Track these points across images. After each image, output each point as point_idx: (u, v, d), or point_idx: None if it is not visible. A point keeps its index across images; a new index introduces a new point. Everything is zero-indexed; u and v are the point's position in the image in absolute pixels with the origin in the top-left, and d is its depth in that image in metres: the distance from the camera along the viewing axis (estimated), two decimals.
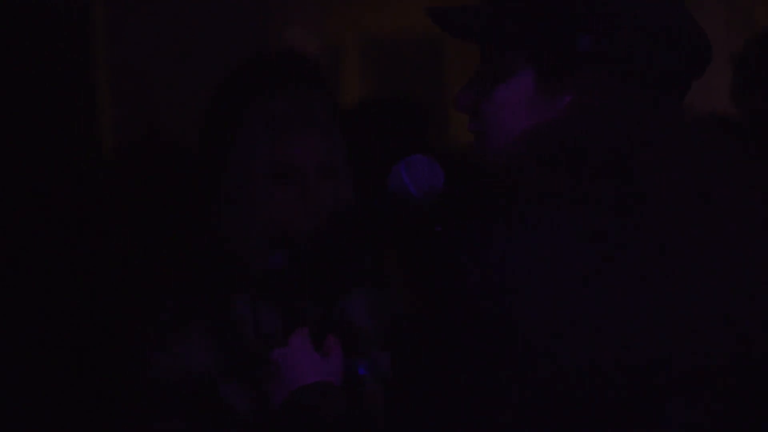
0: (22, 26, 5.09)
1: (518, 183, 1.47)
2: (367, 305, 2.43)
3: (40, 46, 4.96)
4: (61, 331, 3.12)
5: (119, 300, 3.04)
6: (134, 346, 2.40)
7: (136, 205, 3.34)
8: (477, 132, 1.58)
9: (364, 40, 8.91)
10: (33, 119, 4.35)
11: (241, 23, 5.42)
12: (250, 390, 2.25)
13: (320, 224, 2.29)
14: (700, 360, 1.39)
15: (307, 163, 2.33)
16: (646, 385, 1.37)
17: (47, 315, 3.09)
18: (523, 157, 1.48)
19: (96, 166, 4.13)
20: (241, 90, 2.43)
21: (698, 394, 1.39)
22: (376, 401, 2.34)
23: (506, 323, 1.37)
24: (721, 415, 1.40)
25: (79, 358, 3.11)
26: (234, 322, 2.30)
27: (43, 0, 5.27)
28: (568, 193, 1.42)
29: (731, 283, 1.41)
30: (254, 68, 2.78)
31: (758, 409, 1.43)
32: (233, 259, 2.33)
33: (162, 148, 3.85)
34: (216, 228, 2.36)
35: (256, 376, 2.24)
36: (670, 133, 1.47)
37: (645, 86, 1.48)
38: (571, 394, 1.35)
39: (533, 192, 1.44)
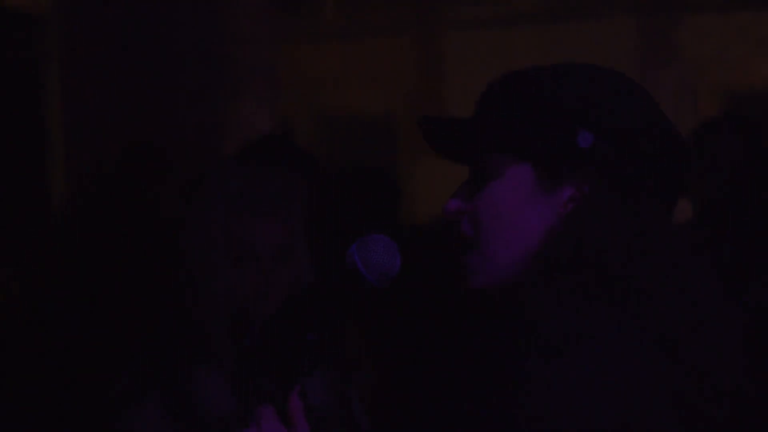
0: None
1: (540, 316, 1.42)
2: (324, 384, 2.41)
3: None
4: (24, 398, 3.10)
5: (79, 368, 3.03)
6: (93, 415, 2.38)
7: (94, 273, 3.33)
8: (470, 239, 1.53)
9: (315, 117, 8.97)
10: None
11: (195, 96, 5.43)
12: None
13: (278, 304, 2.29)
14: None
15: (265, 245, 2.32)
16: None
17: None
18: (543, 295, 1.44)
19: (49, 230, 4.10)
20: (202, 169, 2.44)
21: None
22: None
23: None
24: None
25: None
26: (191, 396, 2.27)
27: None
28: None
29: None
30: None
31: None
32: (193, 335, 2.31)
33: (114, 211, 3.84)
34: (177, 302, 2.35)
35: None
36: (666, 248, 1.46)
37: (641, 188, 1.48)
38: None
39: (568, 330, 1.39)
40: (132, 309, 3.00)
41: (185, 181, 3.37)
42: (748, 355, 1.43)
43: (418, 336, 2.96)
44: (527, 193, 1.49)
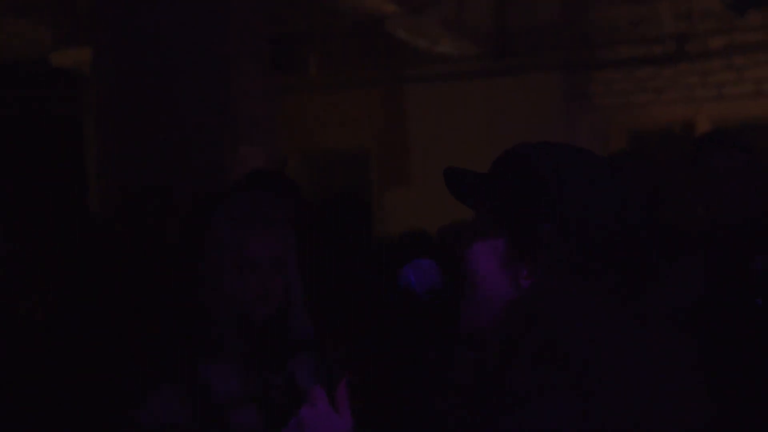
0: (30, 135, 5.05)
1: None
2: (311, 369, 2.40)
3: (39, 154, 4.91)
4: (49, 389, 3.02)
5: (102, 363, 2.96)
6: (115, 404, 2.34)
7: (121, 280, 3.28)
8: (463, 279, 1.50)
9: (302, 155, 8.93)
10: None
11: (203, 141, 5.41)
12: None
13: (274, 305, 2.29)
14: None
15: (261, 256, 2.31)
16: None
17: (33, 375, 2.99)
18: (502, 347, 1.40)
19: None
20: (211, 197, 2.43)
21: None
22: None
23: None
24: None
25: (65, 414, 3.01)
26: (203, 383, 2.26)
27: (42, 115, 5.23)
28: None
29: None
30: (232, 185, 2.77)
31: None
32: (203, 331, 2.30)
33: (136, 232, 3.79)
34: (189, 307, 2.33)
35: (220, 428, 2.20)
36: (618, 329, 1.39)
37: (597, 275, 1.40)
38: None
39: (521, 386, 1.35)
40: (151, 311, 2.97)
41: (198, 207, 3.35)
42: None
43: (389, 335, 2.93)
44: (499, 260, 1.45)
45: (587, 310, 1.38)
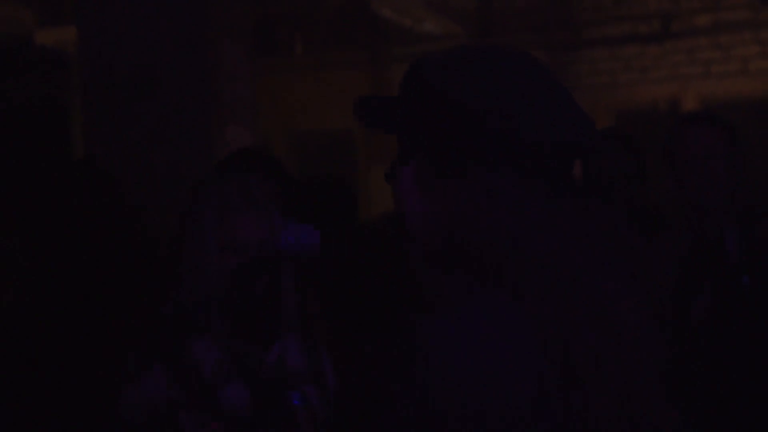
0: (11, 117, 5.04)
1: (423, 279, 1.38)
2: (299, 348, 2.43)
3: (24, 132, 4.90)
4: (39, 366, 3.03)
5: (93, 344, 2.98)
6: (105, 382, 2.37)
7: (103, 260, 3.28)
8: (395, 198, 1.46)
9: (288, 135, 8.93)
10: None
11: (189, 122, 5.42)
12: (205, 417, 2.24)
13: (261, 288, 2.31)
14: None
15: (248, 237, 2.33)
16: None
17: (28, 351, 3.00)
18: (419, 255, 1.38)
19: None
20: (199, 179, 2.44)
21: None
22: (308, 427, 2.34)
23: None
24: None
25: (58, 391, 3.02)
26: (190, 362, 2.28)
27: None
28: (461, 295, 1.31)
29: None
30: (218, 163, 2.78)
31: None
32: (189, 312, 2.32)
33: (128, 221, 3.79)
34: (176, 287, 2.35)
35: (209, 405, 2.23)
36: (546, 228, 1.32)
37: (526, 176, 1.33)
38: None
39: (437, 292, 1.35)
40: (138, 290, 2.98)
41: (186, 187, 3.36)
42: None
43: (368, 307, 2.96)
44: (422, 176, 1.37)
45: (511, 212, 1.32)
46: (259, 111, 6.17)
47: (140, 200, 4.08)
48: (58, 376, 2.93)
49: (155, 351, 2.27)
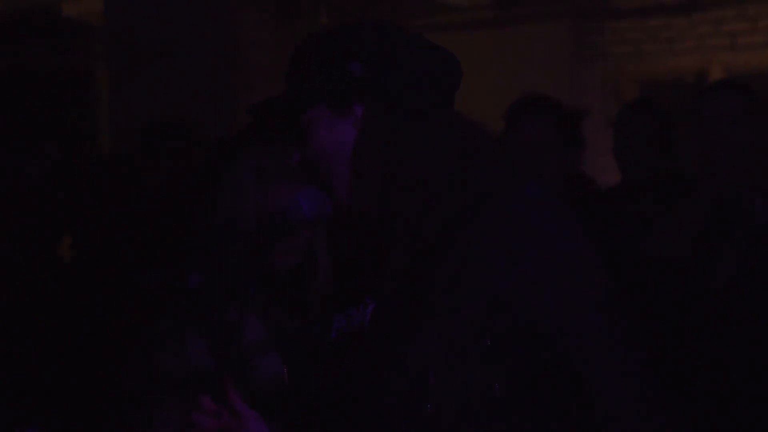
0: (40, 87, 5.07)
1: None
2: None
3: (52, 101, 4.93)
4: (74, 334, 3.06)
5: (127, 310, 3.01)
6: (141, 345, 2.38)
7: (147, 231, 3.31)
8: (315, 178, 1.65)
9: None
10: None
11: (215, 92, 5.44)
12: (240, 387, 2.27)
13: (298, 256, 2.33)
14: None
15: (285, 208, 2.34)
16: None
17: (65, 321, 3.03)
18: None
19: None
20: (232, 146, 2.44)
21: None
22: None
23: None
24: None
25: (89, 356, 3.05)
26: (226, 329, 2.30)
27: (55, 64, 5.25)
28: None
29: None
30: (244, 130, 2.79)
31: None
32: (227, 281, 2.33)
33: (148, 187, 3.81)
34: (213, 257, 2.36)
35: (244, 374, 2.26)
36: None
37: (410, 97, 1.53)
38: None
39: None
40: (173, 256, 3.00)
41: (215, 156, 3.37)
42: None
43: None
44: (329, 125, 1.59)
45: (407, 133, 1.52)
46: (281, 81, 6.19)
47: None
48: (96, 329, 2.96)
49: (192, 316, 2.29)
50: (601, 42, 8.64)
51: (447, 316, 1.40)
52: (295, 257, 2.34)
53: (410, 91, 1.52)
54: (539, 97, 3.55)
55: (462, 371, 1.37)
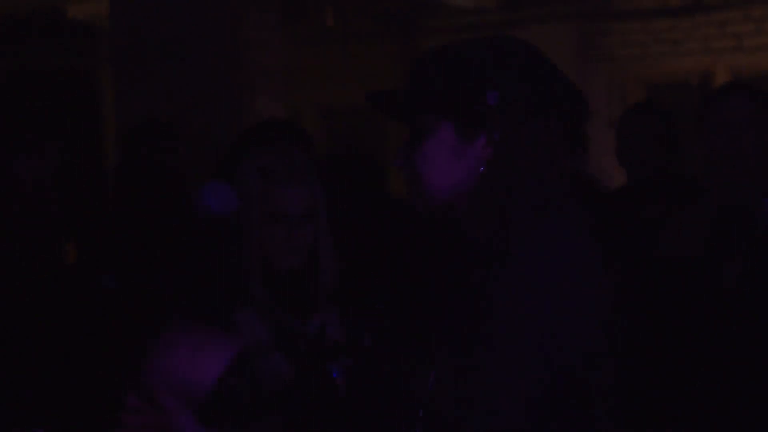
0: (45, 88, 5.07)
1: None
2: (338, 320, 2.44)
3: (57, 102, 4.92)
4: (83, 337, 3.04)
5: (135, 311, 3.00)
6: (144, 348, 2.38)
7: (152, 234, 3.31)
8: (411, 178, 1.63)
9: (317, 109, 8.94)
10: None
11: (220, 93, 5.44)
12: (244, 386, 2.26)
13: (303, 255, 2.32)
14: None
15: (293, 209, 2.35)
16: None
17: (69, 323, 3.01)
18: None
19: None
20: (238, 148, 2.45)
21: None
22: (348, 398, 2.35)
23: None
24: None
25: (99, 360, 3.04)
26: (232, 332, 2.29)
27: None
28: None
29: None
30: (249, 132, 2.79)
31: None
32: (233, 282, 2.33)
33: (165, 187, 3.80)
34: (218, 258, 2.36)
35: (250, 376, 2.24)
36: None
37: (542, 130, 1.56)
38: None
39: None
40: (179, 258, 2.99)
41: (217, 157, 3.37)
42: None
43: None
44: (450, 146, 1.58)
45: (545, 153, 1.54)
46: (288, 83, 6.19)
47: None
48: (103, 330, 2.95)
49: (199, 318, 2.29)
50: (606, 44, 8.63)
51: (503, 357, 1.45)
52: (297, 257, 2.33)
53: (538, 124, 1.56)
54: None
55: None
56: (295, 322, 2.35)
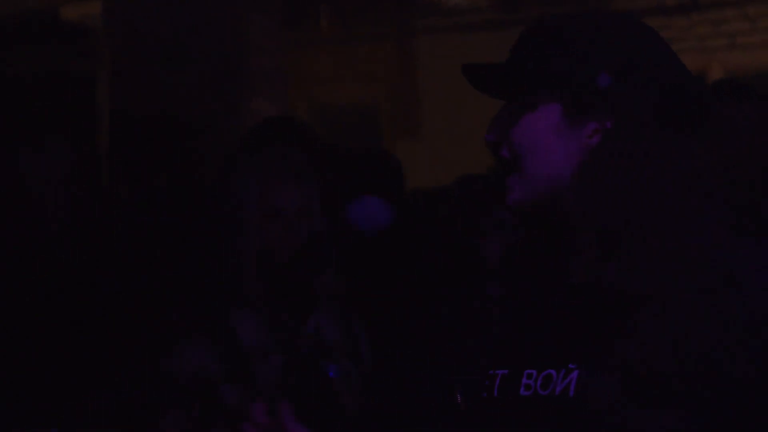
0: (39, 92, 5.04)
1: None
2: (335, 321, 2.43)
3: (51, 106, 4.91)
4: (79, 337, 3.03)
5: (132, 314, 2.99)
6: (145, 351, 2.37)
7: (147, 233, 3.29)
8: (507, 160, 1.47)
9: (314, 108, 8.93)
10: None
11: (217, 94, 5.43)
12: (241, 388, 2.25)
13: (298, 253, 2.31)
14: None
15: (289, 205, 2.33)
16: None
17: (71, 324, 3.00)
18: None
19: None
20: (237, 147, 2.45)
21: None
22: (345, 398, 2.34)
23: None
24: None
25: (95, 361, 3.03)
26: (229, 334, 2.29)
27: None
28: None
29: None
30: (251, 131, 2.77)
31: None
32: (229, 282, 2.33)
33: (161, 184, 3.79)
34: (216, 256, 2.36)
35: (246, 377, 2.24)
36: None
37: (659, 120, 1.40)
38: None
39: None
40: (178, 260, 2.98)
41: (215, 159, 3.35)
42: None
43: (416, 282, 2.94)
44: (555, 126, 1.42)
45: (659, 164, 1.37)
46: (285, 83, 6.17)
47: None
48: (102, 333, 2.94)
49: (195, 320, 2.28)
50: None
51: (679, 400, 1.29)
52: (293, 254, 2.31)
53: (652, 116, 1.39)
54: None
55: None
56: (292, 321, 2.34)
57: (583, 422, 1.31)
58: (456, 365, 1.41)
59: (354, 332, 2.47)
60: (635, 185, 1.36)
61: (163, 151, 4.38)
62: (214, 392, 2.23)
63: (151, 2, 5.32)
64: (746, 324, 1.29)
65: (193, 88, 5.32)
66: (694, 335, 1.29)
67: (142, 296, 2.96)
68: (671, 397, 1.29)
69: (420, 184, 4.09)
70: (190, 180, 4.05)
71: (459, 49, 9.13)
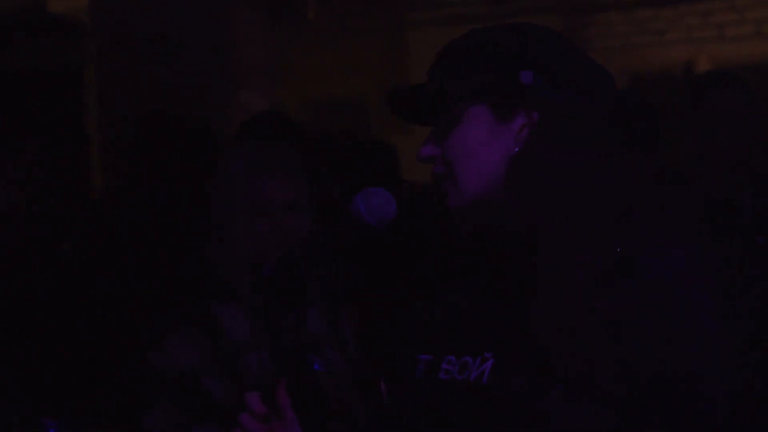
0: (26, 87, 5.04)
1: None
2: (321, 314, 2.43)
3: (39, 101, 4.90)
4: (66, 333, 3.04)
5: (119, 309, 2.99)
6: (132, 346, 2.37)
7: (136, 231, 3.29)
8: (442, 174, 1.52)
9: (302, 102, 8.93)
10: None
11: (205, 88, 5.42)
12: (228, 382, 2.25)
13: (287, 249, 2.30)
14: None
15: (275, 201, 2.33)
16: None
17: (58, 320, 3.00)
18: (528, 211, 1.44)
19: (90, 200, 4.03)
20: (224, 144, 2.44)
21: None
22: (329, 391, 2.34)
23: None
24: None
25: (82, 357, 3.03)
26: (215, 328, 2.29)
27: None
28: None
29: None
30: (240, 127, 2.77)
31: None
32: (216, 277, 2.33)
33: (149, 184, 3.79)
34: (203, 251, 2.36)
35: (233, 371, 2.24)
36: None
37: (581, 112, 1.47)
38: None
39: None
40: (165, 255, 2.97)
41: (203, 152, 3.35)
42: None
43: (407, 274, 2.94)
44: (487, 129, 1.48)
45: (585, 149, 1.44)
46: (273, 77, 6.17)
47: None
48: (88, 329, 2.94)
49: (182, 315, 2.28)
50: (589, 35, 8.64)
51: (578, 383, 1.34)
52: (281, 250, 2.31)
53: (577, 108, 1.46)
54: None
55: None
56: (279, 316, 2.34)
57: (495, 408, 1.36)
58: (389, 351, 1.46)
59: (341, 325, 2.47)
60: (563, 173, 1.42)
61: (150, 145, 4.37)
62: (201, 386, 2.23)
63: None
64: (638, 308, 1.34)
65: (180, 81, 5.32)
66: (588, 321, 1.34)
67: (129, 291, 2.96)
68: (573, 383, 1.33)
69: (409, 177, 4.09)
70: (179, 173, 4.05)
71: (445, 41, 9.08)
